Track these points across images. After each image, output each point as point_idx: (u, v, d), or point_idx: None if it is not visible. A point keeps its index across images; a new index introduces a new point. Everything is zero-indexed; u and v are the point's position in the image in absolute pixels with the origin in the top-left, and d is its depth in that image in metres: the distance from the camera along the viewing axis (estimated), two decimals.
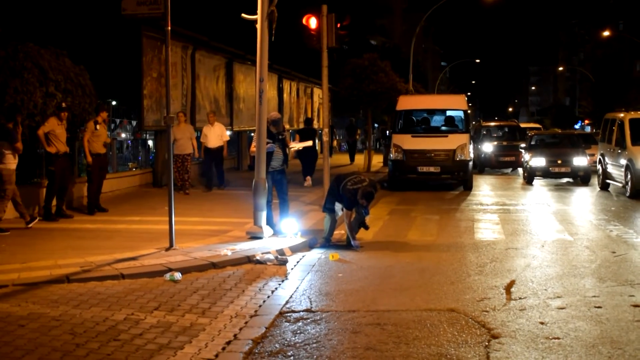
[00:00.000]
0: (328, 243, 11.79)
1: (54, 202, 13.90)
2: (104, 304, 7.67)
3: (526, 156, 25.68)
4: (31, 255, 10.00)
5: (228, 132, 29.87)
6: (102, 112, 14.90)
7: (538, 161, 24.51)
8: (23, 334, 6.56)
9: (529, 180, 24.75)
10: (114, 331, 6.68)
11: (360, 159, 31.90)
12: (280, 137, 12.45)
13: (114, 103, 18.21)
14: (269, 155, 12.25)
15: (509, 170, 31.66)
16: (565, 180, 25.33)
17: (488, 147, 31.34)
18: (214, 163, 19.40)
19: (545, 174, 24.63)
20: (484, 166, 31.33)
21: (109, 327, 6.82)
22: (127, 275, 8.95)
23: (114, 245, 10.85)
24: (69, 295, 8.02)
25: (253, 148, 12.35)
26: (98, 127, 14.59)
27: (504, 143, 31.70)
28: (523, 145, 28.97)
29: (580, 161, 24.26)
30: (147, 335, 6.56)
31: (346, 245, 11.77)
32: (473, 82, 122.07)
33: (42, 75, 13.58)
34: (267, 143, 12.19)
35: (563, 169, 24.34)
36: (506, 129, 34.38)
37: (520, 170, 29.91)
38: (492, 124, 38.46)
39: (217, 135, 19.20)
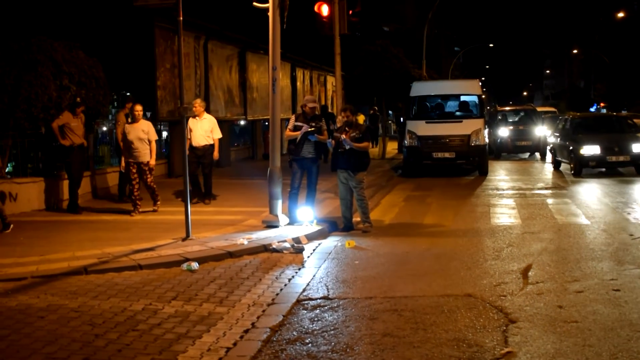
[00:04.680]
0: (346, 230, 11.87)
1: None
2: (122, 295, 7.71)
3: (558, 140, 23.15)
4: (49, 248, 10.06)
5: (242, 122, 30.06)
6: (127, 104, 15.15)
7: (591, 149, 20.62)
8: (43, 325, 6.61)
9: (578, 171, 20.86)
10: (133, 321, 6.71)
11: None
12: (314, 124, 12.14)
13: (127, 95, 18.15)
14: (302, 139, 12.11)
15: (527, 155, 30.94)
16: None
17: (504, 132, 30.22)
18: (201, 167, 14.83)
19: (601, 163, 20.87)
20: (500, 151, 30.32)
21: (128, 317, 6.86)
22: (144, 265, 8.99)
23: (130, 237, 10.90)
24: (88, 287, 8.07)
25: (287, 132, 12.30)
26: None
27: (521, 127, 30.61)
28: (539, 128, 28.33)
29: (639, 148, 20.80)
30: (166, 325, 6.59)
31: (363, 230, 11.80)
32: (487, 66, 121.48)
33: (56, 68, 13.63)
34: (300, 127, 12.09)
35: (622, 158, 20.69)
36: (522, 113, 33.11)
37: (537, 155, 29.52)
38: (508, 108, 37.64)
39: (204, 131, 14.55)
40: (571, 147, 21.36)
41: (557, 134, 23.95)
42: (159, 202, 13.69)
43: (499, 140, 30.13)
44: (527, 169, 24.71)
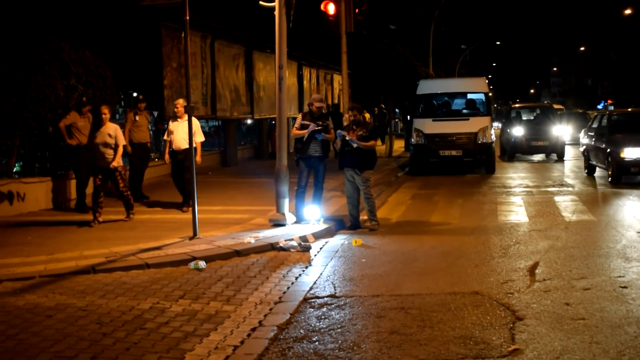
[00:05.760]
0: (353, 228, 11.91)
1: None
2: (130, 294, 7.74)
3: (592, 142, 19.70)
4: (57, 247, 10.10)
5: (249, 121, 30.05)
6: (140, 104, 15.20)
7: (634, 152, 17.26)
8: (51, 324, 6.63)
9: (616, 178, 17.57)
10: (140, 320, 6.74)
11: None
12: (320, 122, 12.07)
13: (134, 94, 18.20)
14: (309, 138, 12.06)
15: (542, 156, 28.21)
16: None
17: (519, 131, 27.22)
18: (182, 172, 13.43)
19: None
20: (514, 152, 27.66)
21: (135, 316, 6.88)
22: (151, 264, 9.01)
23: (138, 236, 10.93)
24: (95, 286, 8.10)
25: (294, 131, 12.27)
26: (137, 117, 14.87)
27: (537, 126, 27.83)
28: (557, 127, 26.53)
29: None
30: (173, 324, 6.61)
31: (369, 228, 11.80)
32: (494, 64, 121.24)
33: (63, 68, 13.69)
34: (306, 126, 12.07)
35: None
36: (538, 111, 30.83)
37: (554, 156, 27.25)
38: (524, 105, 35.80)
39: (185, 133, 12.67)
40: (608, 150, 18.00)
41: (591, 134, 20.34)
42: (132, 213, 12.61)
43: (512, 140, 27.51)
44: (548, 174, 21.71)
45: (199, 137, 13.37)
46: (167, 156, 13.81)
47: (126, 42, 18.20)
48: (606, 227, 11.63)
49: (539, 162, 26.90)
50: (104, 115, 12.32)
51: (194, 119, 13.12)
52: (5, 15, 15.64)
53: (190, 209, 12.59)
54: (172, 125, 13.69)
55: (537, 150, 27.60)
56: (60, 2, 17.27)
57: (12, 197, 13.39)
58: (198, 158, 13.18)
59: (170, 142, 13.64)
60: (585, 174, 20.46)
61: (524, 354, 5.72)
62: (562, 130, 27.59)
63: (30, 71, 13.19)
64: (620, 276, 8.23)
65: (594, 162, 19.90)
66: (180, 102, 13.56)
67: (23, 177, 14.09)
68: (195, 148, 13.00)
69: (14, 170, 14.48)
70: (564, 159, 26.79)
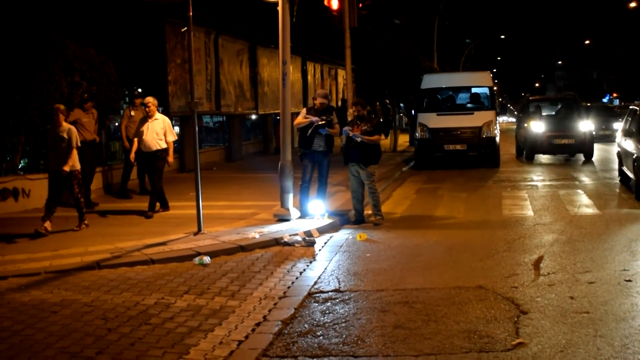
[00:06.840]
0: (358, 223, 11.92)
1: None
2: (135, 289, 7.76)
3: (624, 142, 15.76)
4: (62, 243, 10.13)
5: (253, 116, 30.07)
6: (135, 99, 15.17)
7: None
8: (56, 320, 6.66)
9: None
10: (145, 315, 6.76)
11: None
12: (325, 117, 12.01)
13: (139, 90, 18.20)
14: (313, 133, 12.00)
15: (566, 156, 24.59)
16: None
17: (539, 127, 23.50)
18: (149, 174, 13.18)
19: None
20: (533, 152, 24.05)
21: (140, 311, 6.90)
22: (156, 260, 9.03)
23: (142, 231, 10.95)
24: (100, 281, 8.12)
25: (297, 120, 12.25)
26: (133, 113, 14.84)
27: (560, 121, 24.27)
28: (584, 123, 23.26)
29: None
30: (178, 319, 6.63)
31: (374, 223, 11.80)
32: (499, 58, 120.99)
33: (67, 65, 13.71)
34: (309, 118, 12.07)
35: None
36: (560, 105, 26.81)
37: (582, 157, 23.63)
38: (544, 97, 32.45)
39: (155, 133, 12.65)
40: (635, 155, 14.08)
41: (623, 133, 16.57)
42: (85, 223, 11.51)
43: (531, 138, 23.76)
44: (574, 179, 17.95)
45: (171, 136, 12.89)
46: (132, 155, 13.04)
47: (130, 39, 18.19)
48: (611, 221, 11.61)
49: (562, 163, 23.33)
50: (55, 117, 11.26)
51: (165, 118, 13.06)
52: (9, 12, 15.65)
53: (155, 213, 12.74)
54: (143, 126, 12.74)
55: (561, 150, 23.81)
56: (64, 0, 17.28)
57: (18, 193, 13.43)
58: (170, 158, 12.87)
59: (139, 143, 12.77)
60: (619, 182, 16.72)
61: (528, 347, 5.72)
62: (589, 126, 23.75)
63: (35, 68, 13.21)
64: (625, 270, 8.22)
65: (626, 169, 15.69)
66: (151, 101, 12.79)
67: (28, 174, 14.12)
68: (167, 148, 12.82)
69: (19, 166, 14.50)
70: (594, 159, 23.34)
